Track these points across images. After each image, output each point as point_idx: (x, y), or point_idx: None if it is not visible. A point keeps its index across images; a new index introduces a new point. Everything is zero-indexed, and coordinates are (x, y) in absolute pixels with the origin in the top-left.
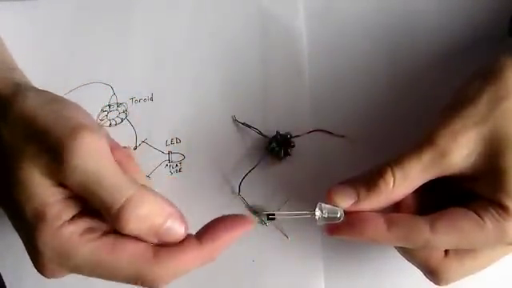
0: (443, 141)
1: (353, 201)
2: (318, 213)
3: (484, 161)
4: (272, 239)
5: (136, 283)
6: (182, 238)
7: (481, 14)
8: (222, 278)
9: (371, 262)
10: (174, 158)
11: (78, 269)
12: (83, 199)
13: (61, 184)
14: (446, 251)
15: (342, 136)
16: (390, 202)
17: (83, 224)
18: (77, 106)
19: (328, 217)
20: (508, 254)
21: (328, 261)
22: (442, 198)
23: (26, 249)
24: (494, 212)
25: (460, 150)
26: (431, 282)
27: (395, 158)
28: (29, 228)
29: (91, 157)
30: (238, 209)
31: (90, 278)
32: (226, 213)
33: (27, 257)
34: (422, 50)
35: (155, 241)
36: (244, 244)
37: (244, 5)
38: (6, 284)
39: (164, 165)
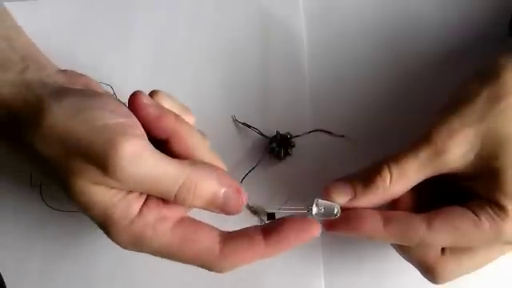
0: (440, 139)
1: (349, 197)
2: (314, 209)
3: (481, 160)
4: None
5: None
6: (242, 207)
7: (481, 14)
8: (223, 277)
9: (371, 261)
10: None
11: (151, 253)
12: None
13: None
14: (443, 250)
15: (342, 136)
16: (386, 199)
17: (153, 214)
18: (104, 103)
19: (325, 213)
20: (505, 253)
21: (328, 261)
22: (440, 196)
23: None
24: (490, 211)
25: (457, 148)
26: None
27: (392, 155)
28: (101, 227)
29: (136, 163)
30: None
31: (91, 279)
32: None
33: (28, 257)
34: (422, 50)
35: (218, 211)
36: None
37: (244, 4)
38: (6, 284)
39: None
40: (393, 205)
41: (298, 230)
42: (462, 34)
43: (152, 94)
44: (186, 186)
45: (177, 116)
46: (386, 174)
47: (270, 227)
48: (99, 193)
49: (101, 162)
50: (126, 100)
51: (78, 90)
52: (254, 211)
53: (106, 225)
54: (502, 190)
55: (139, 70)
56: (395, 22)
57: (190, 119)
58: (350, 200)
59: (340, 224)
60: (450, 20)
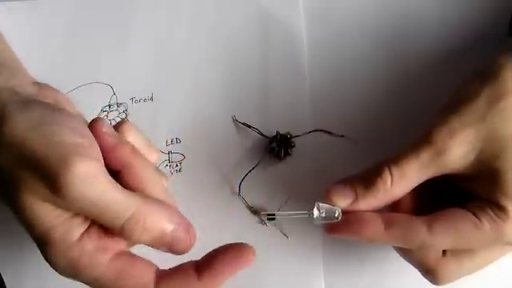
0: (440, 139)
1: (351, 200)
2: (315, 212)
3: (481, 160)
4: (272, 239)
5: None
6: (190, 247)
7: (481, 14)
8: None
9: (371, 262)
10: (174, 157)
11: (87, 283)
12: None
13: None
14: (444, 251)
15: (342, 136)
16: (387, 201)
17: (93, 243)
18: (66, 121)
19: (326, 216)
20: (506, 254)
21: (328, 261)
22: (440, 198)
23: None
24: (491, 212)
25: (457, 149)
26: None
27: (393, 156)
28: (39, 246)
29: (87, 185)
30: (238, 209)
31: None
32: (226, 213)
33: (27, 257)
34: (422, 50)
35: (165, 249)
36: None
37: (244, 4)
38: (6, 284)
39: (164, 165)
40: (394, 206)
41: (231, 263)
42: (461, 33)
43: (118, 124)
44: (134, 217)
45: (133, 149)
46: (387, 176)
47: (203, 263)
48: (44, 211)
49: (52, 177)
50: (125, 100)
51: (43, 104)
52: (254, 211)
53: (44, 244)
54: (503, 190)
55: (139, 70)
56: (395, 22)
57: (153, 156)
58: (352, 203)
59: (341, 227)
60: (450, 20)
